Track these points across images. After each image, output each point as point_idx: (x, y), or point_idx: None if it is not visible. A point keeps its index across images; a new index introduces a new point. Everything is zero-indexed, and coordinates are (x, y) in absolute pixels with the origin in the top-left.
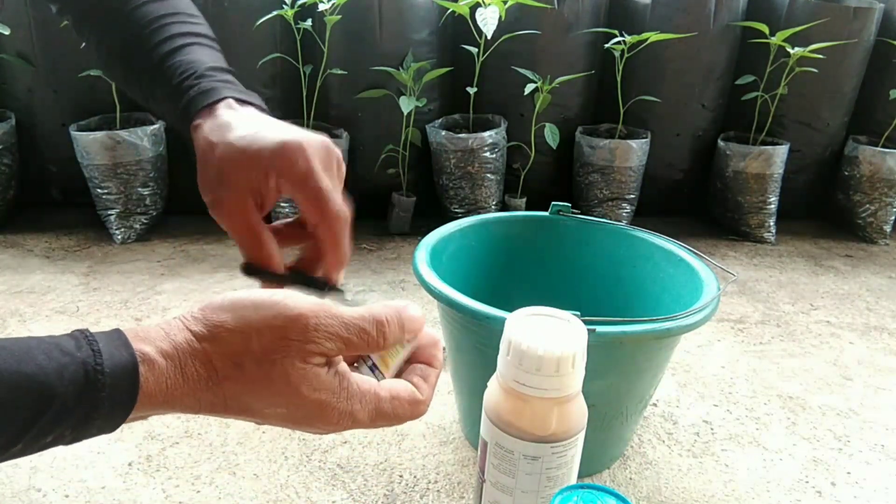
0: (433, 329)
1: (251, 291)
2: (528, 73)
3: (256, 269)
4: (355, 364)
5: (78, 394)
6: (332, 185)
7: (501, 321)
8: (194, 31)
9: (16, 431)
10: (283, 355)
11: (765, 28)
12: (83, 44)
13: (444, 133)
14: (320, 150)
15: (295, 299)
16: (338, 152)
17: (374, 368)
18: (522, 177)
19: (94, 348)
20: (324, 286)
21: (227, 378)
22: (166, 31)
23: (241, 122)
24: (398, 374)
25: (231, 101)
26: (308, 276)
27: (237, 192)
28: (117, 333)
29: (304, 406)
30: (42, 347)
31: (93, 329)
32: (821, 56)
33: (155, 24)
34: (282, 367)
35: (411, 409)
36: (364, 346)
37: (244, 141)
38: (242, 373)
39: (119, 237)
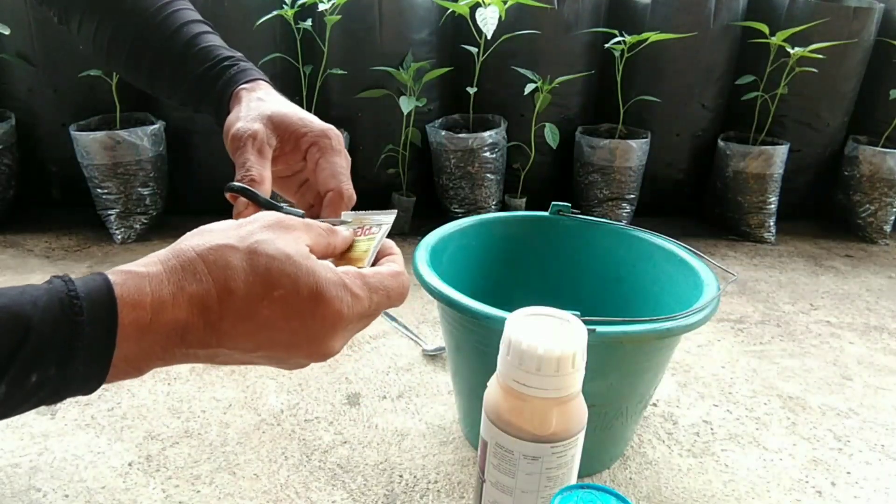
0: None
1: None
2: (528, 73)
3: (244, 190)
4: None
5: (54, 321)
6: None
7: (501, 321)
8: (199, 19)
9: None
10: (266, 231)
11: (765, 28)
12: (67, 27)
13: (444, 133)
14: (344, 145)
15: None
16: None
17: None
18: (522, 177)
19: (64, 279)
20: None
21: (216, 264)
22: (176, 18)
23: (283, 100)
24: None
25: (265, 83)
26: (288, 208)
27: (273, 133)
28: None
29: (300, 277)
30: (15, 288)
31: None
32: (821, 56)
33: (160, 13)
34: (266, 237)
35: (394, 280)
36: (325, 236)
37: (298, 112)
38: (231, 251)
39: (119, 237)
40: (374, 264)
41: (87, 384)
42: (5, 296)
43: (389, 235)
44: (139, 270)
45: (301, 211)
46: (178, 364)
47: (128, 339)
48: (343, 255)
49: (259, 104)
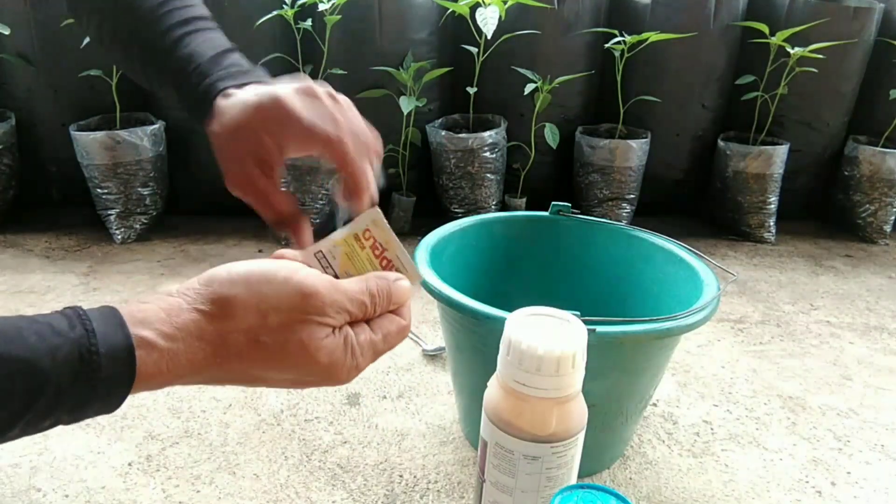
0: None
1: (257, 262)
2: (528, 73)
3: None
4: None
5: (72, 377)
6: (324, 113)
7: (501, 321)
8: (195, 16)
9: (9, 417)
10: (301, 327)
11: (765, 28)
12: (77, 24)
13: (444, 133)
14: (296, 96)
15: (305, 274)
16: (314, 85)
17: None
18: (522, 177)
19: (87, 328)
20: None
21: (239, 355)
22: (168, 18)
23: (232, 103)
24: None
25: (228, 90)
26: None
27: (236, 162)
28: (112, 312)
29: (317, 371)
30: (33, 328)
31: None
32: (821, 56)
33: (158, 10)
34: (299, 339)
35: (400, 338)
36: (362, 316)
37: (232, 115)
38: (259, 348)
39: (119, 237)
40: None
41: (94, 417)
42: (25, 341)
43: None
44: (162, 346)
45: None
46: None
47: (138, 389)
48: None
49: (214, 138)
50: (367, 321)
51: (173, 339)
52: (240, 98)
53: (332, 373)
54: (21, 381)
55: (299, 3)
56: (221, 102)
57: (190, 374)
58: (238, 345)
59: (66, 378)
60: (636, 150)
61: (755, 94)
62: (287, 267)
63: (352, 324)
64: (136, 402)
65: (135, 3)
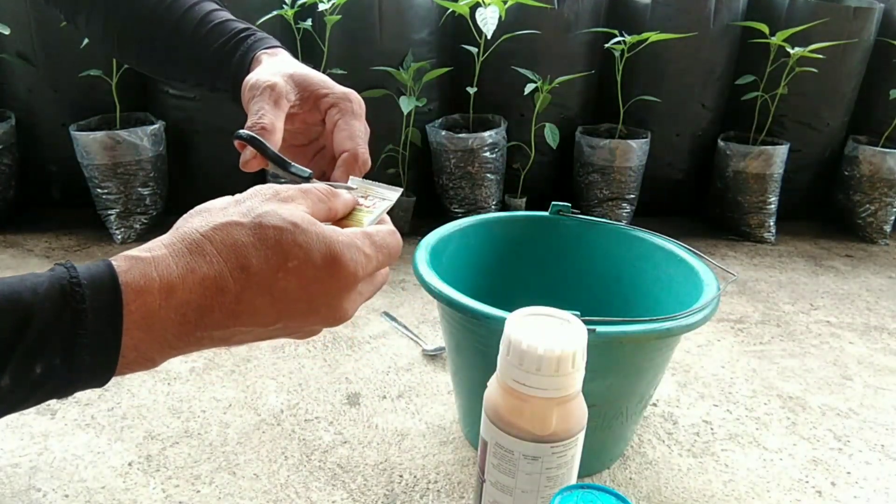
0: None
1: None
2: (528, 73)
3: (252, 139)
4: None
5: (55, 308)
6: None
7: (501, 321)
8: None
9: None
10: (267, 202)
11: (765, 28)
12: (74, 25)
13: (444, 133)
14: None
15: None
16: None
17: None
18: (522, 177)
19: (67, 266)
20: (308, 179)
21: (224, 244)
22: (181, 4)
23: (303, 66)
24: None
25: (284, 51)
26: (296, 166)
27: (293, 89)
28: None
29: (312, 245)
30: (16, 276)
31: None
32: (821, 56)
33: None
34: (271, 208)
35: (394, 238)
36: (316, 206)
37: (320, 75)
38: (238, 228)
39: (119, 237)
40: None
41: (97, 376)
42: (5, 283)
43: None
44: (144, 255)
45: (308, 171)
46: (193, 351)
47: (136, 327)
48: (341, 221)
49: (280, 65)
50: None
51: (155, 250)
52: (313, 70)
53: (331, 250)
54: (3, 317)
55: (299, 3)
56: (289, 56)
57: (188, 282)
58: (216, 237)
59: (50, 312)
60: (636, 150)
61: (755, 94)
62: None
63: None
64: (136, 403)
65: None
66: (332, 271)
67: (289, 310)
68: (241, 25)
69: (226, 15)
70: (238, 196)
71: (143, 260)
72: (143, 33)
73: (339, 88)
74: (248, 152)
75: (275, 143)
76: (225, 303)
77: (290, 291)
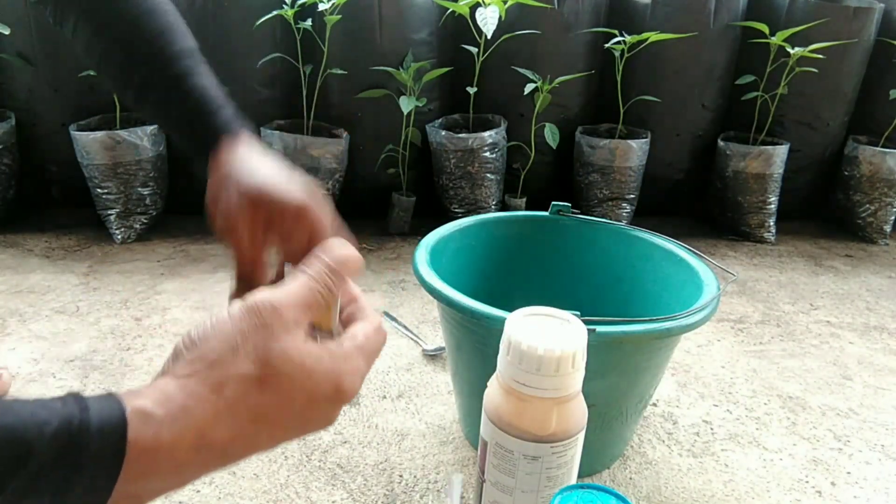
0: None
1: (213, 314)
2: (528, 73)
3: (247, 283)
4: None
5: (59, 453)
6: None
7: (501, 321)
8: (192, 48)
9: None
10: (273, 341)
11: (765, 28)
12: (61, 29)
13: (444, 133)
14: (327, 209)
15: (253, 294)
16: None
17: (326, 335)
18: (522, 177)
19: (81, 405)
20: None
21: (235, 399)
22: (170, 47)
23: (263, 163)
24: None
25: (245, 136)
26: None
27: (256, 226)
28: (110, 395)
29: (318, 385)
30: (28, 405)
31: (92, 327)
32: (821, 56)
33: (159, 38)
34: (279, 350)
35: (380, 336)
36: (323, 301)
37: (272, 187)
38: (249, 382)
39: (119, 237)
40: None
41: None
42: (15, 413)
43: (393, 237)
44: (157, 413)
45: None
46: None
47: (131, 480)
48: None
49: (235, 180)
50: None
51: (167, 403)
52: (278, 171)
53: (335, 384)
54: (2, 452)
55: (299, 3)
56: (246, 149)
57: (194, 443)
58: (227, 390)
59: (51, 454)
60: (636, 150)
61: (755, 94)
62: (231, 304)
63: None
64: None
65: (134, 27)
66: (333, 398)
67: (286, 437)
68: (209, 103)
69: (200, 79)
70: (243, 328)
71: (154, 419)
72: (124, 67)
73: (293, 199)
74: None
75: (264, 280)
76: (228, 455)
77: (291, 428)
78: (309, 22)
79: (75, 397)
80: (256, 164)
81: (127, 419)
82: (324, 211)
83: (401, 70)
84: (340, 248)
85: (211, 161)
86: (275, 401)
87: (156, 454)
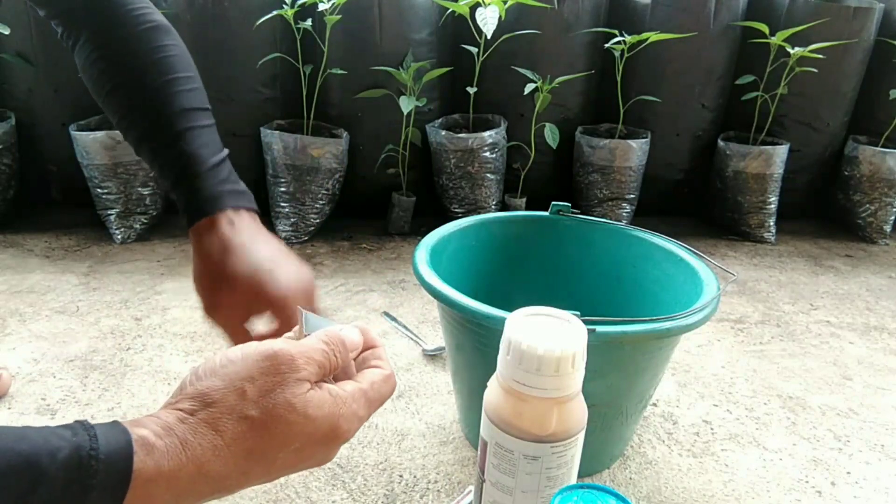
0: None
1: (222, 352)
2: (528, 73)
3: None
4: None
5: (68, 480)
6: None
7: (501, 321)
8: (193, 108)
9: None
10: (281, 389)
11: (765, 28)
12: (65, 45)
13: (444, 133)
14: (313, 295)
15: (269, 341)
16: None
17: (333, 380)
18: (522, 177)
19: (90, 434)
20: None
21: (234, 438)
22: (176, 100)
23: (245, 246)
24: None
25: (230, 213)
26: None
27: (241, 310)
28: (115, 423)
29: (318, 429)
30: (41, 432)
31: (92, 327)
32: (821, 56)
33: (167, 86)
34: (284, 399)
35: (388, 386)
36: (330, 367)
37: (252, 272)
38: (249, 424)
39: (119, 237)
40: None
41: None
42: (28, 439)
43: (393, 237)
44: (160, 445)
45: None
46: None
47: (138, 500)
48: None
49: (217, 262)
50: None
51: (168, 436)
52: (262, 254)
53: (333, 427)
54: (18, 475)
55: (299, 3)
56: (227, 229)
57: (194, 472)
58: (230, 427)
59: (61, 481)
60: (636, 150)
61: (755, 94)
62: (245, 345)
63: (334, 380)
64: (135, 403)
65: (142, 66)
66: (329, 441)
67: (281, 473)
68: (203, 163)
69: (200, 138)
70: (254, 373)
71: (157, 450)
72: (126, 107)
73: (273, 289)
74: None
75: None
76: (223, 487)
77: (287, 465)
78: (309, 22)
79: (83, 425)
80: (239, 250)
81: (133, 451)
82: (308, 298)
83: (401, 70)
84: (354, 335)
85: (192, 236)
86: (273, 443)
87: (156, 483)
